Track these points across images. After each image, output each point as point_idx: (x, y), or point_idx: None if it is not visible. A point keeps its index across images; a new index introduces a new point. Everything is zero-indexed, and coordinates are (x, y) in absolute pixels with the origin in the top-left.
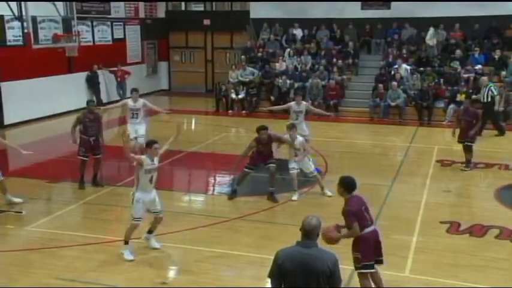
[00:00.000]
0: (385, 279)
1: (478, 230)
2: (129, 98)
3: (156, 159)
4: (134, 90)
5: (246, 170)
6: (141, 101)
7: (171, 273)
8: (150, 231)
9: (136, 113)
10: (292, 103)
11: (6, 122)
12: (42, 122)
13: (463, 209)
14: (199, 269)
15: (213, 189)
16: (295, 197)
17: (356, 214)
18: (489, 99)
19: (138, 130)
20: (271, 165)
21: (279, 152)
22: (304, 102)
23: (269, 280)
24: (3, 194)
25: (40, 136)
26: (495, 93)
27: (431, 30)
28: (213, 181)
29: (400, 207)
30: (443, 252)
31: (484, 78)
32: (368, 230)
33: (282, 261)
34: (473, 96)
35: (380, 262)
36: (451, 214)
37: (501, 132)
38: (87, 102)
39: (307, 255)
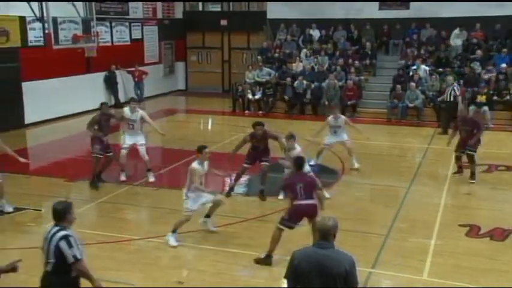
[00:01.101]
0: (403, 282)
1: (499, 234)
2: (126, 107)
3: (206, 163)
4: (132, 99)
5: (245, 165)
6: (140, 112)
7: (187, 272)
8: (207, 216)
9: (133, 125)
10: (330, 118)
11: (27, 121)
12: (61, 122)
13: (484, 212)
14: (215, 269)
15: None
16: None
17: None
18: (452, 99)
19: (137, 139)
20: (264, 163)
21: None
22: (342, 117)
23: (285, 281)
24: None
25: (59, 135)
26: (457, 93)
27: (457, 30)
28: (229, 181)
29: (418, 210)
30: (462, 256)
31: (450, 78)
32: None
33: (298, 262)
34: (439, 98)
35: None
36: (471, 217)
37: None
38: (101, 104)
39: (324, 256)
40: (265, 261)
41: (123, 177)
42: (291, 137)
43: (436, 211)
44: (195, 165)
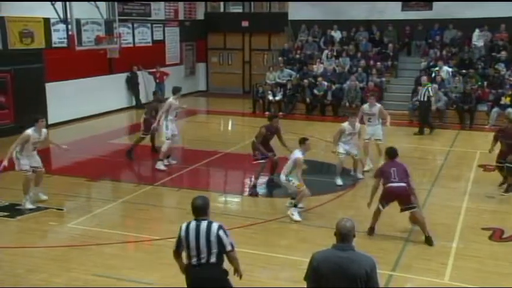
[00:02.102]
0: (424, 285)
1: None
2: (171, 97)
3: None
4: (177, 89)
5: (262, 161)
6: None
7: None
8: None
9: (179, 112)
10: (365, 105)
11: (50, 121)
12: (84, 122)
13: (507, 215)
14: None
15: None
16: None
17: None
18: (425, 99)
19: (174, 129)
20: (274, 157)
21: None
22: (378, 105)
23: (305, 282)
24: (35, 186)
25: (82, 135)
26: (431, 93)
27: (477, 31)
28: (249, 182)
29: (440, 212)
30: (484, 260)
31: (424, 78)
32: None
33: (317, 264)
34: (414, 99)
35: None
36: (494, 220)
37: (431, 130)
38: (154, 93)
39: (344, 259)
40: (368, 232)
41: (169, 162)
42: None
43: (458, 214)
44: (299, 155)
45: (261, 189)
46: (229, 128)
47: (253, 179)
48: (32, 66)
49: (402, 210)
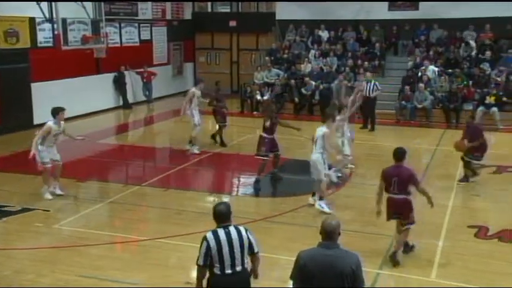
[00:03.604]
0: (410, 283)
1: (507, 235)
2: (194, 87)
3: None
4: (201, 80)
5: (266, 158)
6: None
7: (195, 273)
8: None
9: (201, 102)
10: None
11: (36, 121)
12: (70, 122)
13: (492, 213)
14: None
15: (238, 190)
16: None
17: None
18: (370, 94)
19: (199, 117)
20: (277, 152)
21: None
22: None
23: (291, 282)
24: (54, 179)
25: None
26: (379, 88)
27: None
28: (237, 182)
29: (427, 211)
30: (470, 257)
31: (368, 74)
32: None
33: (303, 263)
34: (358, 95)
35: None
36: (480, 218)
37: (372, 127)
38: (216, 83)
39: (330, 257)
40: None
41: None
42: None
43: (445, 212)
44: (325, 129)
45: (249, 189)
46: (217, 128)
47: (256, 176)
48: (17, 66)
49: (402, 225)
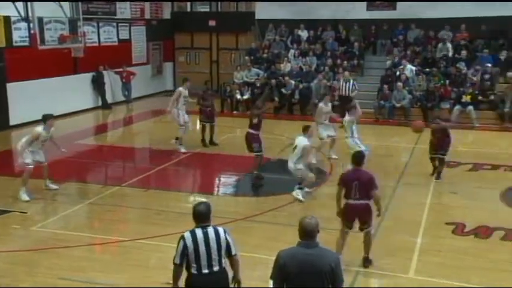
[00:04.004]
0: (390, 281)
1: (483, 232)
2: (181, 87)
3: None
4: (187, 79)
5: (260, 153)
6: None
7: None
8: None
9: (187, 101)
10: (322, 104)
11: (12, 122)
12: None
13: (469, 210)
14: None
15: (218, 190)
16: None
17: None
18: (348, 94)
19: (185, 117)
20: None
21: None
22: (330, 103)
23: (271, 281)
24: (45, 178)
25: None
26: (357, 87)
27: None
28: (218, 182)
29: (405, 209)
30: (448, 254)
31: (346, 74)
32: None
33: (283, 262)
34: (336, 93)
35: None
36: (457, 215)
37: None
38: (205, 82)
39: (310, 255)
40: (364, 264)
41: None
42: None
43: (422, 210)
44: (306, 142)
45: (230, 189)
46: (197, 127)
47: (254, 171)
48: None
49: (360, 229)
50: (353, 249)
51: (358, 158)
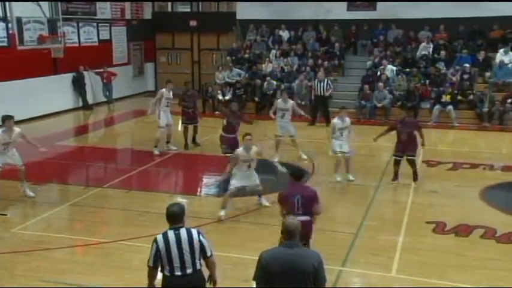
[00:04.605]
0: (372, 280)
1: (463, 230)
2: (164, 88)
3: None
4: (169, 81)
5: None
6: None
7: (159, 274)
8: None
9: (170, 103)
10: (279, 101)
11: None
12: (27, 124)
13: (449, 209)
14: None
15: (200, 191)
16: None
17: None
18: (323, 93)
19: (169, 118)
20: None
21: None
22: (291, 101)
23: (253, 282)
24: (22, 181)
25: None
26: (331, 86)
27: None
28: (200, 182)
29: (387, 208)
30: (429, 252)
31: (320, 74)
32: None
33: (266, 263)
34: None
35: None
36: (437, 214)
37: (327, 123)
38: (185, 83)
39: (292, 256)
40: None
41: (168, 148)
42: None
43: (404, 209)
44: (239, 150)
45: (212, 189)
46: (179, 128)
47: (226, 173)
48: None
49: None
50: (335, 248)
51: (298, 174)
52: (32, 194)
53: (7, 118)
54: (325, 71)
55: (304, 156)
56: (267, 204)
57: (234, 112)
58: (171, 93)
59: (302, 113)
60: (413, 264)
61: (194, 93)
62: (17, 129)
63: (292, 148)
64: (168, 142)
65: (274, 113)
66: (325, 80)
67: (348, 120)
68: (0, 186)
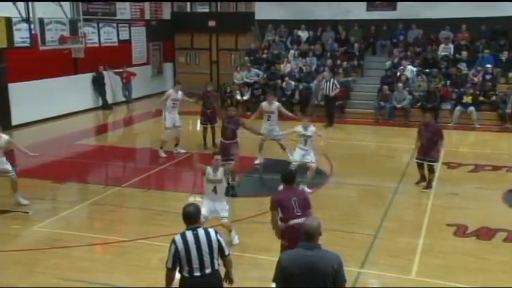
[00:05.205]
0: (391, 282)
1: (485, 233)
2: (172, 89)
3: (219, 171)
4: (178, 82)
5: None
6: (180, 92)
7: (177, 274)
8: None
9: (176, 104)
10: (264, 103)
11: (14, 122)
12: (48, 123)
13: (470, 211)
14: None
15: None
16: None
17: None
18: (330, 93)
19: (176, 120)
20: (230, 160)
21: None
22: (276, 103)
23: (273, 284)
24: (13, 192)
25: (46, 137)
26: (338, 86)
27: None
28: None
29: (406, 210)
30: (450, 255)
31: (325, 74)
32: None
33: (285, 265)
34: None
35: None
36: (458, 217)
37: (330, 123)
38: (205, 84)
39: (312, 257)
40: None
41: (177, 151)
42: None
43: (424, 211)
44: (207, 166)
45: (230, 190)
46: (198, 128)
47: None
48: None
49: None
50: (354, 250)
51: (288, 176)
52: (26, 201)
53: None
54: (344, 71)
55: (291, 157)
56: (237, 242)
57: (232, 117)
58: (179, 94)
59: (290, 114)
60: (434, 267)
61: (213, 93)
62: (4, 137)
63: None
64: (176, 145)
65: (257, 116)
66: (332, 80)
67: (312, 128)
68: (23, 184)
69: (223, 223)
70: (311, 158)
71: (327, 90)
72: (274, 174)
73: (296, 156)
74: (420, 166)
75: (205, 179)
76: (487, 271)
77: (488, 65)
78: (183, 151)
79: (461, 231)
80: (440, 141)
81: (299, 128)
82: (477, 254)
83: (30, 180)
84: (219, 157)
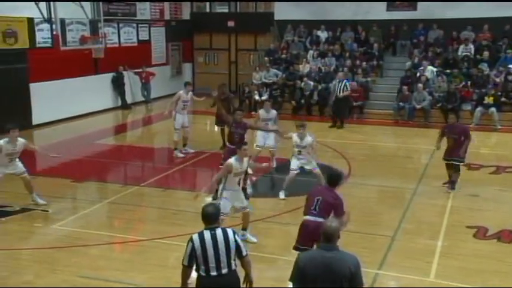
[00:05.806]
0: (409, 284)
1: (506, 236)
2: (182, 90)
3: (245, 160)
4: (188, 83)
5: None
6: (191, 93)
7: (193, 273)
8: (244, 228)
9: (187, 105)
10: (261, 111)
11: (35, 122)
12: (68, 122)
13: (491, 213)
14: None
15: None
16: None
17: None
18: (342, 93)
19: (185, 120)
20: None
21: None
22: (273, 110)
23: (290, 283)
24: (29, 193)
25: (66, 136)
26: (349, 89)
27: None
28: None
29: (425, 211)
30: (469, 258)
31: (340, 74)
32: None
33: (303, 265)
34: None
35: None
36: (478, 219)
37: (341, 124)
38: (219, 86)
39: (329, 259)
40: None
41: (186, 151)
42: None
43: (443, 212)
44: (231, 161)
45: (248, 189)
46: (215, 128)
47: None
48: (15, 66)
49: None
50: (372, 251)
51: (331, 178)
52: (42, 201)
53: (12, 128)
54: (363, 72)
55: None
56: (254, 240)
57: (239, 122)
58: (189, 95)
59: (276, 129)
60: (453, 269)
61: (229, 95)
62: (22, 140)
63: (329, 150)
64: (184, 145)
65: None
66: (344, 81)
67: (309, 139)
68: (43, 183)
69: (247, 213)
70: (311, 166)
71: (338, 91)
72: (302, 176)
73: (294, 165)
74: (449, 167)
75: (231, 176)
76: (507, 274)
77: (511, 65)
78: (191, 151)
79: (481, 233)
80: (467, 141)
81: (295, 138)
82: (497, 257)
83: (51, 179)
84: (246, 147)
